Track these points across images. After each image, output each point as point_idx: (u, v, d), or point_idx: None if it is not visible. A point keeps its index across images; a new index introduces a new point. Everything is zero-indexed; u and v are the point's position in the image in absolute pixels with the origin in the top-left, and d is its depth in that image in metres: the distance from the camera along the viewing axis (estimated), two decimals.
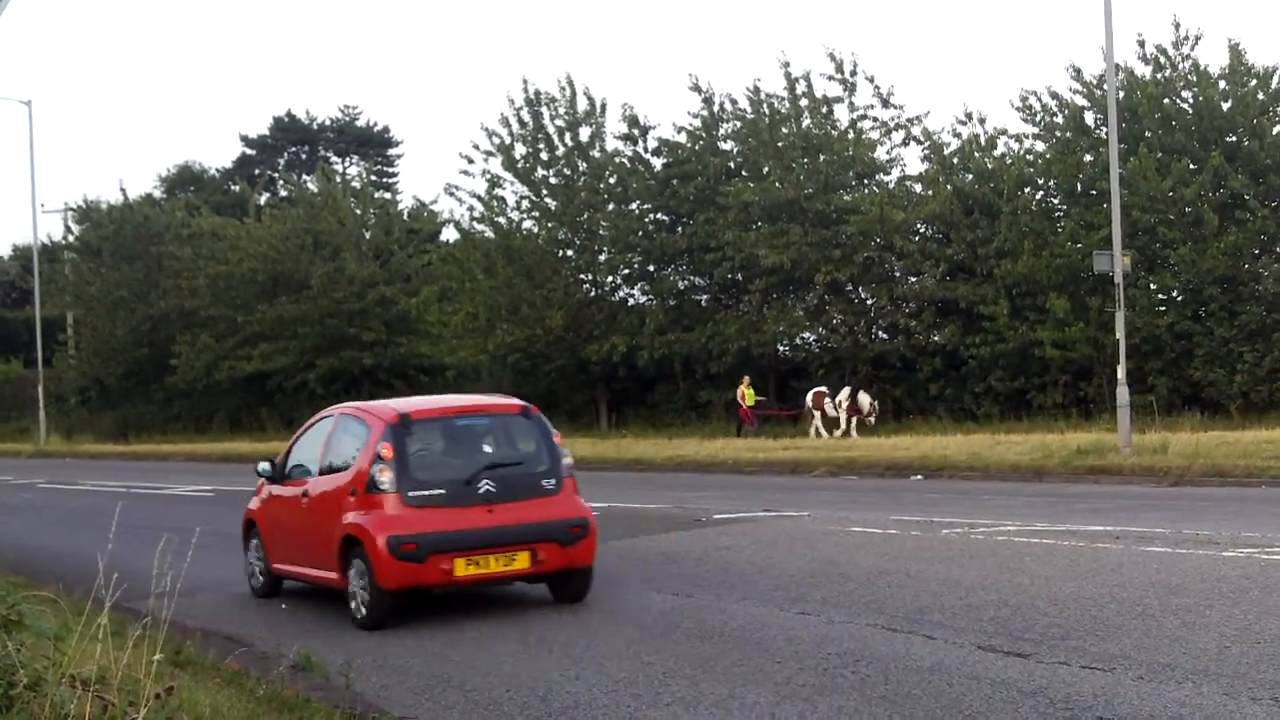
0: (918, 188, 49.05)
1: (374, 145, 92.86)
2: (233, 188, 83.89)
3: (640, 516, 21.41)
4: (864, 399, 42.58)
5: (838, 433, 42.06)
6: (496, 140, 54.84)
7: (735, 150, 52.16)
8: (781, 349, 52.13)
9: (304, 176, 76.83)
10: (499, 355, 54.66)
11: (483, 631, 11.87)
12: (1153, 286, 43.35)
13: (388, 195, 78.01)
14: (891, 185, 49.47)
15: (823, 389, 43.63)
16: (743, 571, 14.48)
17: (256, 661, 10.74)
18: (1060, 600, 11.84)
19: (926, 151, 48.81)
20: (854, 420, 42.36)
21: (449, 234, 63.72)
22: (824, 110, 49.93)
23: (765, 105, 50.53)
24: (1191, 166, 42.29)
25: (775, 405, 47.52)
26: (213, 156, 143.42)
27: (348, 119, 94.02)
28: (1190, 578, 12.70)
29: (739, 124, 51.90)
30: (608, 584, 14.03)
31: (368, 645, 11.61)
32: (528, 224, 55.80)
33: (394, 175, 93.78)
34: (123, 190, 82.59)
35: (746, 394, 45.37)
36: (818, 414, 42.94)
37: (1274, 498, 21.57)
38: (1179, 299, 43.26)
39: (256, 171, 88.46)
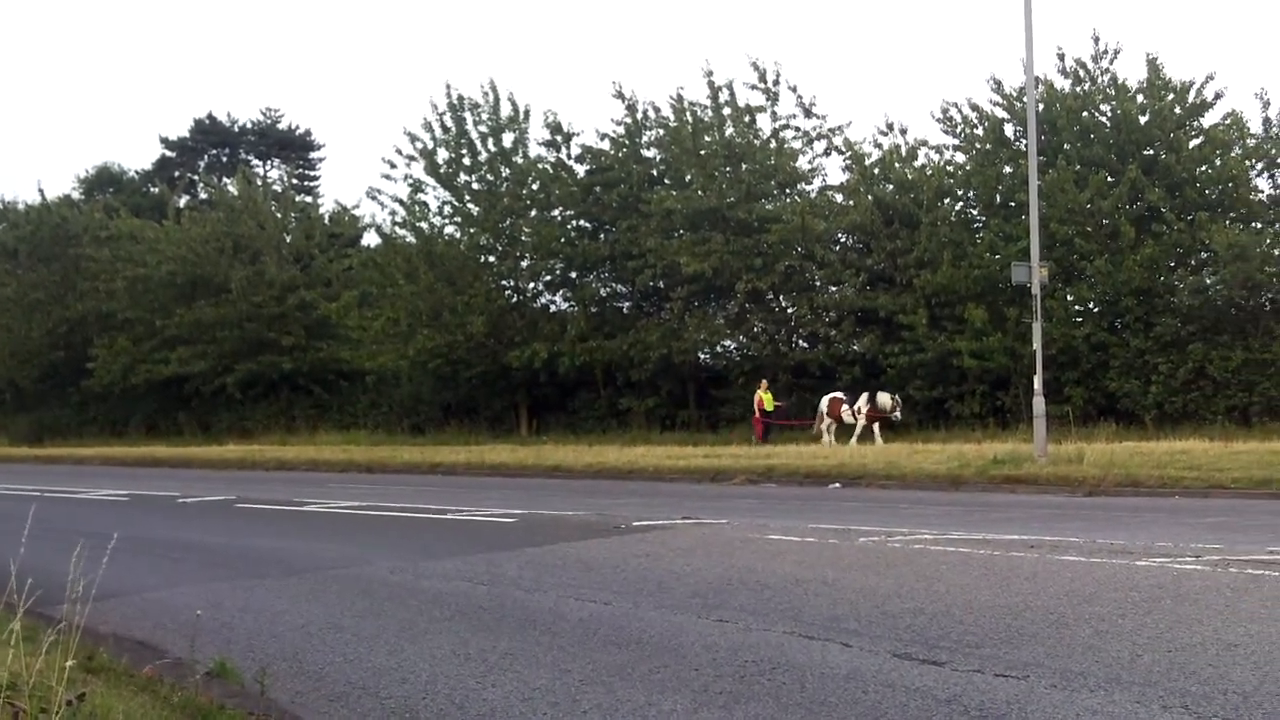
0: (839, 197, 49.39)
1: (295, 148, 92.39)
2: (152, 190, 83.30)
3: (559, 524, 21.38)
4: (884, 399, 41.89)
5: (853, 440, 40.98)
6: (419, 145, 54.85)
7: (658, 158, 52.33)
8: (702, 357, 52.30)
9: (224, 179, 76.43)
10: (419, 361, 54.57)
11: (400, 638, 11.82)
12: (1070, 298, 43.81)
13: (309, 199, 77.78)
14: (813, 195, 49.84)
15: (839, 395, 43.02)
16: (660, 579, 14.49)
17: (171, 668, 10.63)
18: (975, 608, 11.93)
19: (848, 161, 49.21)
20: (876, 424, 41.54)
21: (370, 239, 63.80)
22: (747, 119, 50.19)
23: (688, 113, 50.71)
24: (1109, 179, 42.79)
25: (793, 414, 46.38)
26: (132, 158, 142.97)
27: (269, 122, 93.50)
28: (1104, 587, 12.82)
29: (662, 132, 52.08)
30: (525, 592, 14.01)
31: (284, 651, 11.53)
32: (450, 229, 55.79)
33: (315, 179, 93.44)
34: (40, 191, 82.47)
35: (765, 399, 44.37)
36: (831, 422, 42.32)
37: (1187, 508, 21.81)
38: (1095, 310, 43.71)
39: (176, 174, 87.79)
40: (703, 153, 49.71)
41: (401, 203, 56.02)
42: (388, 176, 57.19)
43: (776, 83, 49.55)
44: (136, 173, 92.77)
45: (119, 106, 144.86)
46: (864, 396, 42.12)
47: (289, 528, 23.27)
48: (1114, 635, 10.55)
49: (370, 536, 20.92)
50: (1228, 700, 8.39)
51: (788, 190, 50.45)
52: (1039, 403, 30.28)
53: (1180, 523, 19.06)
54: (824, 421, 42.43)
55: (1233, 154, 43.02)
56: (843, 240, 49.52)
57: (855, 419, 41.79)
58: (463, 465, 39.69)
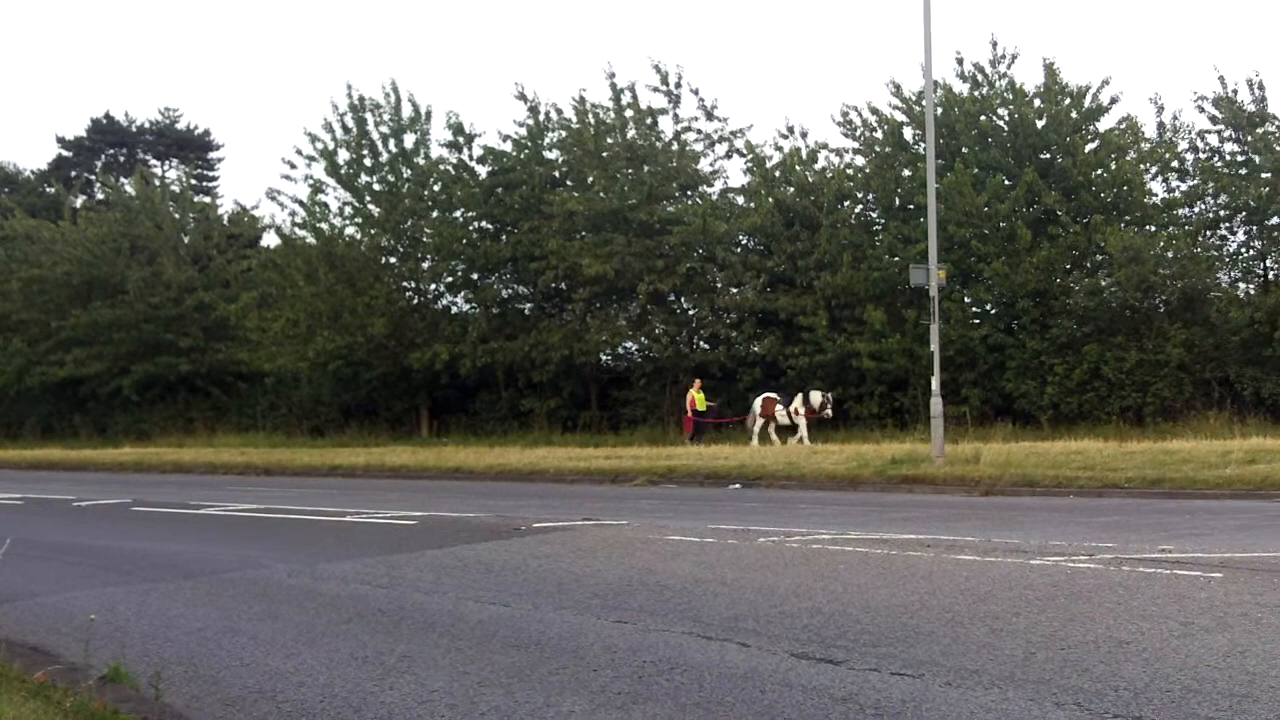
0: (740, 200, 49.65)
1: (194, 148, 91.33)
2: (48, 190, 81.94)
3: (459, 525, 21.31)
4: (816, 396, 41.51)
5: (793, 440, 40.71)
6: (319, 145, 54.47)
7: (560, 160, 52.30)
8: (604, 358, 52.34)
9: (122, 179, 75.44)
10: (319, 363, 54.15)
11: (297, 642, 11.75)
12: (967, 300, 44.27)
13: (207, 199, 76.82)
14: (714, 197, 50.02)
15: (773, 395, 42.56)
16: (560, 580, 14.49)
17: (65, 673, 10.50)
18: (872, 608, 12.02)
19: (749, 164, 49.47)
20: (808, 423, 41.18)
21: (270, 239, 63.11)
22: (649, 121, 50.31)
23: (591, 115, 50.73)
24: (1006, 182, 43.30)
25: (727, 412, 46.01)
26: (28, 158, 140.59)
27: (167, 121, 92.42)
28: (999, 585, 12.96)
29: (564, 133, 52.06)
30: (424, 594, 13.97)
31: (180, 656, 11.42)
32: (350, 230, 55.42)
33: (214, 179, 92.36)
34: None
35: (697, 398, 43.80)
36: (762, 422, 41.79)
37: (1082, 507, 22.08)
38: (992, 312, 44.23)
39: (73, 174, 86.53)
40: (605, 154, 49.75)
41: (301, 203, 55.63)
42: (287, 177, 56.96)
43: (679, 85, 49.78)
44: (32, 172, 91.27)
45: (14, 106, 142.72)
46: (799, 397, 41.82)
47: (185, 531, 23.04)
48: (1008, 633, 10.67)
49: (268, 539, 20.75)
50: (1119, 697, 8.50)
51: (689, 192, 50.61)
52: (936, 403, 30.53)
53: (1075, 522, 19.30)
54: (756, 422, 42.05)
55: (1127, 158, 43.71)
56: (744, 242, 49.74)
57: (792, 419, 41.44)
58: (362, 467, 39.43)
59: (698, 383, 44.53)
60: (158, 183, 71.39)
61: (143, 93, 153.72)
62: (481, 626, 11.98)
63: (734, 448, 37.18)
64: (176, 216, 66.38)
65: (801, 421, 41.18)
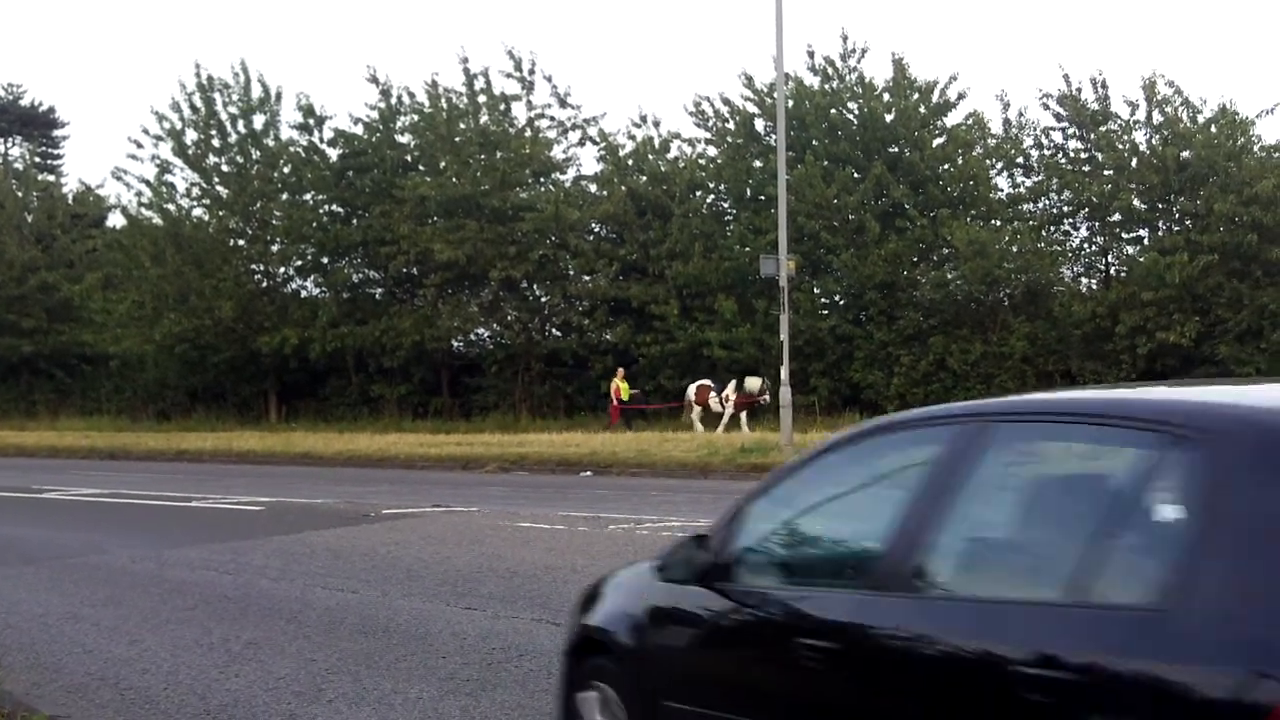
0: (593, 188, 49.75)
1: (38, 126, 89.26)
2: None
3: (307, 512, 21.16)
4: (753, 382, 39.91)
5: (719, 428, 38.99)
6: (167, 125, 53.59)
7: (412, 144, 52.03)
8: (456, 344, 52.17)
9: None
10: (166, 345, 53.29)
11: (141, 628, 11.61)
12: (816, 290, 44.71)
13: (51, 178, 75.25)
14: (567, 184, 50.08)
15: (706, 382, 41.32)
16: (410, 567, 14.46)
17: None
18: None
19: (602, 152, 49.56)
20: (744, 411, 39.86)
21: (116, 220, 61.90)
22: (502, 107, 50.22)
23: (443, 100, 50.51)
24: (855, 175, 43.78)
25: (648, 400, 44.81)
26: None
27: (10, 98, 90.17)
28: None
29: (417, 118, 51.76)
30: (271, 581, 13.87)
31: (20, 643, 11.24)
32: (198, 212, 54.62)
33: (59, 158, 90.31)
34: None
35: (621, 387, 42.60)
36: (699, 409, 40.45)
37: None
38: (841, 303, 44.73)
39: None
40: (457, 140, 49.58)
41: (148, 184, 54.64)
42: (134, 157, 55.86)
43: (532, 72, 49.71)
44: None
45: None
46: (732, 384, 40.51)
47: (26, 516, 22.64)
48: None
49: (112, 525, 20.45)
50: None
51: (542, 179, 50.59)
52: (785, 392, 30.82)
53: None
54: (693, 410, 40.74)
55: (974, 153, 44.40)
56: (596, 230, 49.84)
57: (724, 406, 40.11)
58: (210, 452, 38.95)
59: (621, 371, 43.40)
60: (0, 160, 69.88)
61: None
62: (329, 613, 11.92)
63: (660, 434, 36.96)
64: (19, 195, 65.01)
65: (729, 409, 39.84)
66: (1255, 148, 41.81)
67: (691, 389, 41.55)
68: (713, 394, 40.63)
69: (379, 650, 10.30)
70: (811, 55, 46.78)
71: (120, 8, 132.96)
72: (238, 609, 12.34)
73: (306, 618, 11.75)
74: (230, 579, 14.05)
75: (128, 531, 19.16)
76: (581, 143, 50.55)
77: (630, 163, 49.10)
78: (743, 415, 39.80)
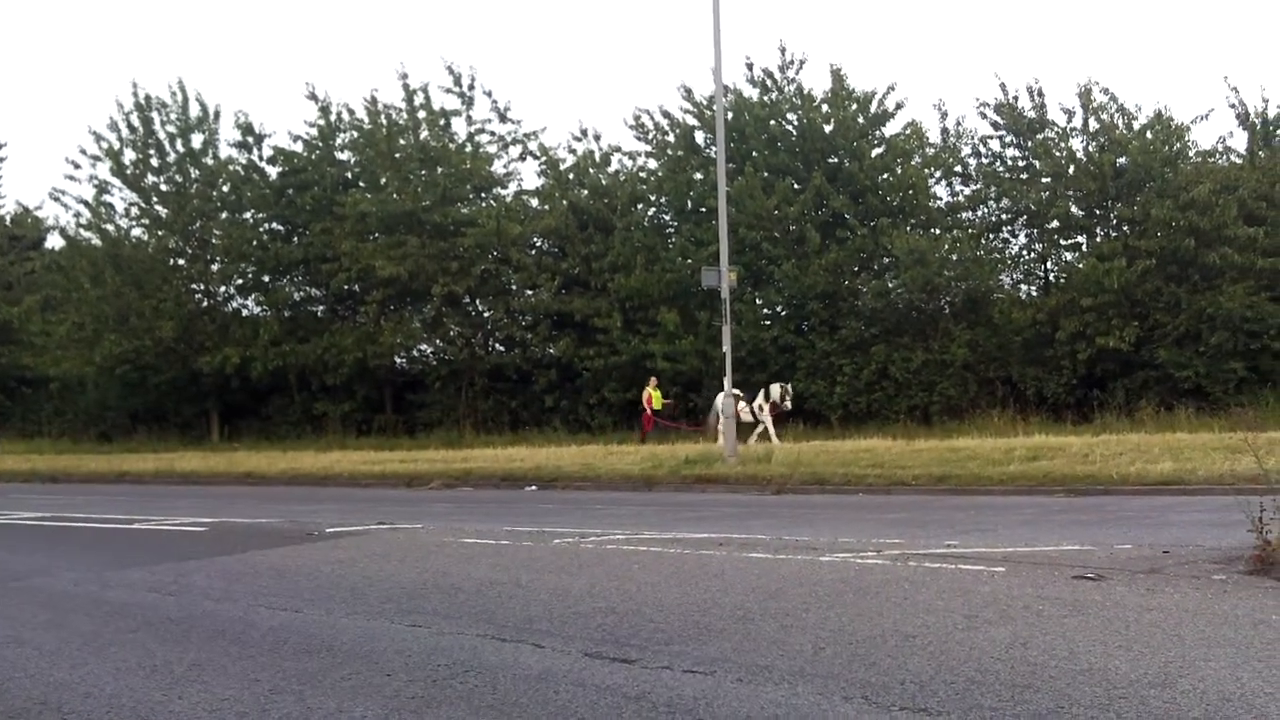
0: (534, 202, 49.81)
1: None
2: None
3: (251, 531, 21.01)
4: (775, 390, 39.30)
5: (752, 438, 37.89)
6: (105, 145, 53.39)
7: (352, 160, 52.01)
8: (399, 361, 52.09)
9: None
10: (106, 367, 53.02)
11: (83, 651, 11.50)
12: (758, 301, 44.85)
13: None
14: (509, 199, 50.09)
15: (735, 392, 40.21)
16: (354, 585, 14.38)
17: None
18: (665, 606, 12.11)
19: (543, 166, 49.65)
20: (773, 419, 38.97)
21: (55, 241, 61.60)
22: (442, 123, 50.24)
23: (383, 116, 50.53)
24: (795, 186, 43.98)
25: (681, 417, 43.68)
26: None
27: None
28: (789, 582, 13.13)
29: (356, 134, 51.71)
30: (214, 602, 13.76)
31: None
32: (137, 232, 54.45)
33: None
34: None
35: (654, 396, 41.74)
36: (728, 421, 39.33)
37: (871, 504, 22.51)
38: (783, 314, 44.87)
39: None
40: (398, 155, 49.55)
41: (87, 204, 54.47)
42: (72, 178, 55.65)
43: (472, 87, 49.77)
44: None
45: None
46: (762, 393, 39.47)
47: None
48: (798, 629, 10.82)
49: (54, 548, 20.25)
50: (905, 689, 8.67)
51: (484, 194, 50.60)
52: (729, 404, 30.92)
53: (863, 519, 19.66)
54: (720, 421, 39.89)
55: (913, 162, 44.67)
56: (538, 244, 49.87)
57: (756, 416, 39.13)
58: (152, 474, 38.70)
59: (653, 380, 42.46)
60: None
61: None
62: (273, 633, 11.84)
63: (605, 447, 36.95)
64: None
65: (767, 418, 39.15)
66: (1191, 153, 42.35)
67: (718, 400, 40.36)
68: (742, 404, 38.69)
69: (323, 669, 10.24)
70: (750, 67, 47.18)
71: (57, 28, 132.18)
72: (181, 631, 12.23)
73: (250, 638, 11.66)
74: (173, 600, 13.93)
75: (70, 554, 18.99)
76: (522, 157, 50.72)
77: (571, 177, 49.18)
78: (771, 425, 38.98)
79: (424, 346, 52.13)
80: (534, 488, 29.51)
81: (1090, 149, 42.94)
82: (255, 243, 52.16)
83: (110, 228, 54.27)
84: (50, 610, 13.75)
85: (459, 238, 47.49)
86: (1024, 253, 45.55)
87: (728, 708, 8.45)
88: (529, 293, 49.20)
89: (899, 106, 45.21)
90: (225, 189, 53.37)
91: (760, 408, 39.36)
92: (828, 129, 45.10)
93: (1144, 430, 33.26)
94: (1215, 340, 39.04)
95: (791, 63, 46.23)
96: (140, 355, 52.10)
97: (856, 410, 42.51)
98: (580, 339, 47.03)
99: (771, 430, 38.87)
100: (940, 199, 45.56)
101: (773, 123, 45.76)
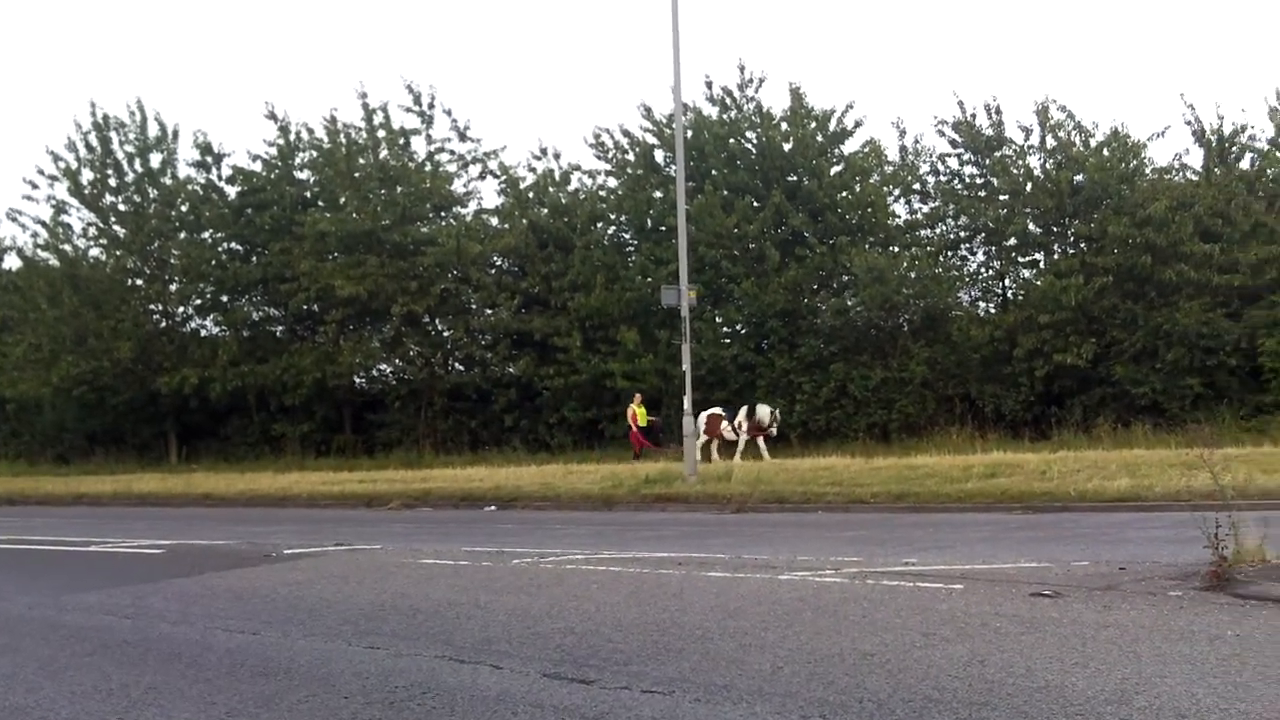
0: (494, 221, 49.77)
1: None
2: None
3: (208, 553, 20.93)
4: (763, 411, 38.77)
5: (736, 455, 37.71)
6: (62, 165, 53.10)
7: (312, 180, 51.86)
8: (358, 381, 51.94)
9: None
10: (63, 388, 52.73)
11: (39, 675, 11.43)
12: (718, 320, 44.87)
13: None
14: (468, 218, 50.03)
15: (717, 411, 39.61)
16: (312, 606, 14.32)
17: None
18: (624, 626, 12.10)
19: (503, 185, 49.68)
20: (761, 439, 38.40)
21: (11, 262, 61.11)
22: (401, 142, 50.18)
23: (343, 135, 50.41)
24: (755, 204, 43.99)
25: (664, 438, 42.43)
26: None
27: None
28: (748, 601, 13.14)
29: (315, 153, 51.56)
30: (170, 624, 13.69)
31: None
32: (95, 252, 54.20)
33: None
34: None
35: (639, 413, 41.43)
36: (705, 439, 38.43)
37: (830, 522, 22.55)
38: (743, 332, 44.89)
39: None
40: (357, 175, 49.44)
41: (44, 224, 54.20)
42: (29, 197, 55.39)
43: (431, 106, 49.74)
44: None
45: None
46: (743, 411, 39.13)
47: None
48: (757, 648, 10.82)
49: (8, 571, 20.12)
50: (863, 708, 8.68)
51: (443, 213, 50.55)
52: (689, 422, 30.93)
53: (822, 537, 19.70)
54: (712, 442, 38.99)
55: (871, 180, 44.80)
56: (498, 263, 49.83)
57: (737, 435, 38.79)
58: (109, 495, 38.51)
59: (638, 397, 42.17)
60: None
61: None
62: (230, 655, 11.78)
63: (564, 466, 36.92)
64: None
65: (744, 437, 38.52)
66: (1147, 170, 42.61)
67: (702, 418, 38.93)
68: (725, 423, 39.32)
69: (280, 691, 10.19)
70: (710, 85, 47.22)
71: (14, 47, 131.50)
72: (137, 654, 12.17)
73: (207, 661, 11.61)
74: (130, 623, 13.85)
75: (26, 577, 18.87)
76: (482, 176, 50.67)
77: (531, 195, 49.19)
78: (761, 442, 38.36)
79: (383, 366, 52.07)
80: (493, 508, 29.46)
81: (1048, 166, 43.15)
82: (214, 262, 51.96)
83: (68, 248, 54.02)
84: (5, 634, 13.66)
85: (418, 257, 47.44)
86: (982, 270, 45.72)
87: None
88: (489, 312, 49.13)
89: (858, 125, 45.39)
90: (184, 209, 53.16)
91: (739, 425, 39.00)
92: (787, 147, 45.19)
93: (1101, 447, 33.44)
94: (1171, 357, 39.28)
95: (751, 81, 46.43)
96: (98, 376, 51.84)
97: (816, 428, 42.57)
98: (540, 358, 47.01)
99: (762, 447, 38.21)
100: (899, 217, 45.73)
101: (732, 141, 45.85)
